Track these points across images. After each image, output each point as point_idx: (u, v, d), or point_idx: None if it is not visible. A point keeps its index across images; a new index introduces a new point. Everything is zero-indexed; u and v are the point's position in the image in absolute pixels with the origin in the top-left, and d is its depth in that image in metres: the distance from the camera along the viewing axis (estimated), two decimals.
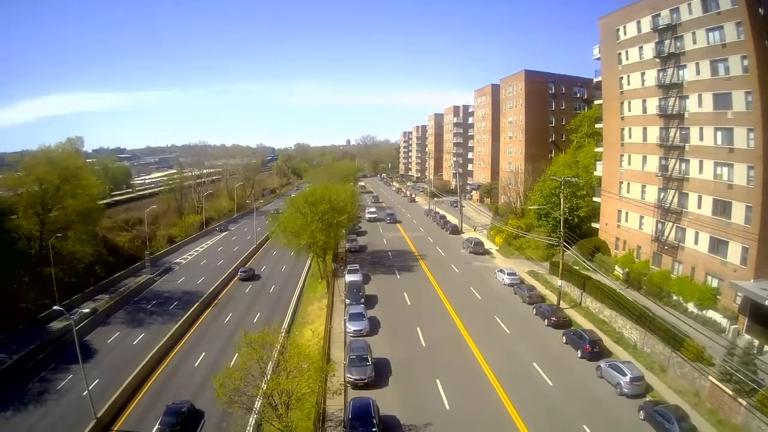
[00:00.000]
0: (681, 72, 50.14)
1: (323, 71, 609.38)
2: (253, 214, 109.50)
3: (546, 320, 47.91)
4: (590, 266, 53.99)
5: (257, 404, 28.99)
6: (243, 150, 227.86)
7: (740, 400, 29.87)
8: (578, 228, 66.38)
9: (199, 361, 44.21)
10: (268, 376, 28.06)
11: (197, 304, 58.07)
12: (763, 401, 28.50)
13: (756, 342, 36.55)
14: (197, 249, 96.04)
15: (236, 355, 37.57)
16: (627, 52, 59.18)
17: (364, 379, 36.18)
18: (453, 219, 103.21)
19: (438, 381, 36.73)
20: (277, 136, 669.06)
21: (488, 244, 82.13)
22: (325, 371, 30.46)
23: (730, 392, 30.70)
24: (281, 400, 26.81)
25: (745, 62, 42.00)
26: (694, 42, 47.89)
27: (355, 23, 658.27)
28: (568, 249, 53.63)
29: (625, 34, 59.41)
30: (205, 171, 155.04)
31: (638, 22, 56.35)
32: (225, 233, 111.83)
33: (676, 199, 51.29)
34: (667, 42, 51.30)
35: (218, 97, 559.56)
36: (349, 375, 36.56)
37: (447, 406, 33.73)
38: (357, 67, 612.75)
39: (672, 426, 29.02)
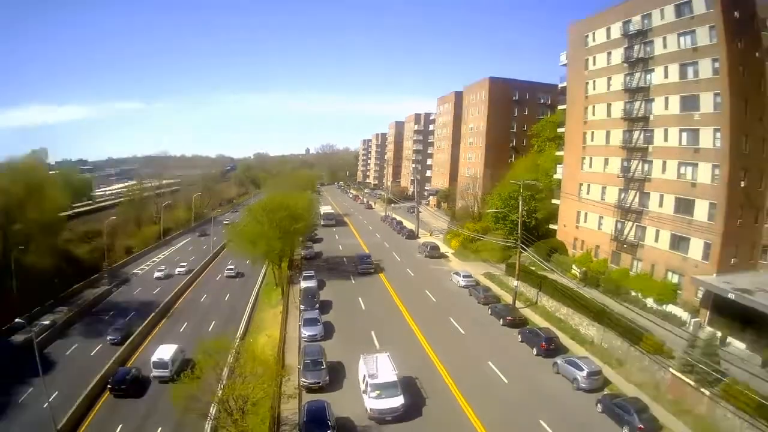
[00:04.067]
0: (648, 76, 50.27)
1: (284, 80, 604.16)
2: (210, 224, 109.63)
3: (501, 320, 47.91)
4: (547, 266, 53.79)
5: (213, 410, 29.06)
6: (203, 160, 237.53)
7: (703, 390, 29.71)
8: (536, 230, 65.96)
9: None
10: (224, 382, 28.65)
11: (153, 314, 58.22)
12: (728, 390, 28.33)
13: (719, 333, 36.59)
14: (154, 259, 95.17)
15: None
16: (595, 57, 59.28)
17: (319, 383, 36.25)
18: (409, 224, 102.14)
19: None
20: (237, 145, 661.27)
21: (444, 248, 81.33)
22: (279, 375, 31.40)
23: (692, 383, 30.64)
24: (237, 405, 27.37)
25: (716, 65, 42.31)
26: (665, 46, 48.12)
27: (316, 31, 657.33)
28: (525, 250, 53.19)
29: (594, 40, 59.52)
30: (164, 182, 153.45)
31: (608, 29, 56.45)
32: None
33: (637, 199, 51.31)
34: (636, 47, 51.42)
35: (180, 108, 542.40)
36: (303, 379, 36.60)
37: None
38: (319, 75, 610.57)
39: (631, 417, 29.25)
